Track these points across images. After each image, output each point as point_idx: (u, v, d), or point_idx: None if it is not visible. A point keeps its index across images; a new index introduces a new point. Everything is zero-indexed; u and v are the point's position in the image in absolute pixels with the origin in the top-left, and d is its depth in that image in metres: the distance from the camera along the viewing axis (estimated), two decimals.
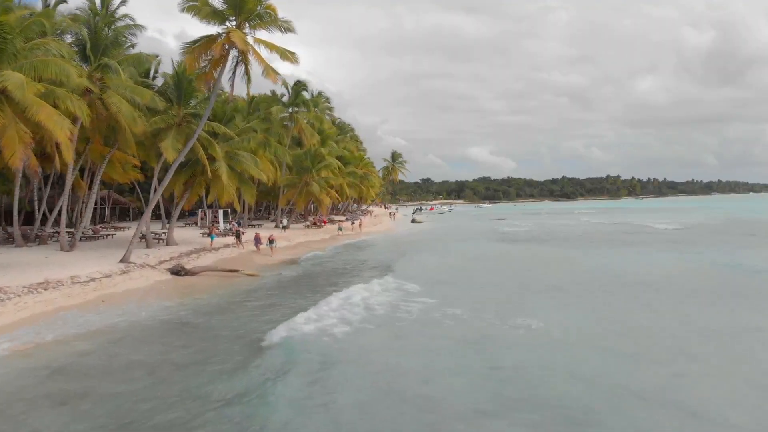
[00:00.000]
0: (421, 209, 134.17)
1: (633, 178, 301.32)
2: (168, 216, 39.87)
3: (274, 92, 51.37)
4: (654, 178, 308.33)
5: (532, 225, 67.42)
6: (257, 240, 31.05)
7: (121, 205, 50.51)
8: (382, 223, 70.93)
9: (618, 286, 21.79)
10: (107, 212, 48.68)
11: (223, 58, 22.90)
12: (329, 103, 63.36)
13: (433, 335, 14.11)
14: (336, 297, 18.82)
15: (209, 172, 28.44)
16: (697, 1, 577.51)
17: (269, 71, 22.53)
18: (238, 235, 31.31)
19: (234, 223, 40.01)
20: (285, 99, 48.93)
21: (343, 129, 74.59)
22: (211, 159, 29.60)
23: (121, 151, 30.71)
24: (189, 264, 25.39)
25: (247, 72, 23.35)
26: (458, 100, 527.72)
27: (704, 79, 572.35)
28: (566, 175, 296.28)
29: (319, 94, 61.67)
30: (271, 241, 30.79)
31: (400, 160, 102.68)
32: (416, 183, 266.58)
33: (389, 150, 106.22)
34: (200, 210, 44.76)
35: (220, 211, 42.98)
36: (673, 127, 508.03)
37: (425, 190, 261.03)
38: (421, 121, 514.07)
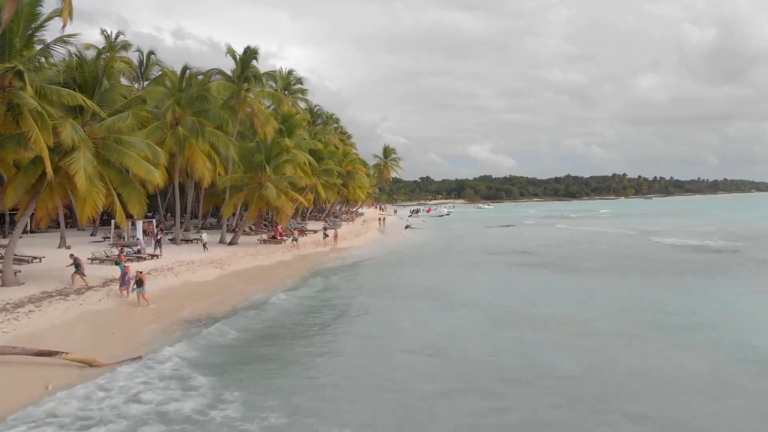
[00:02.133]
0: (418, 211, 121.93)
1: (639, 176, 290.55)
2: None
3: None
4: (660, 177, 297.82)
5: (555, 234, 55.90)
6: (124, 279, 18.79)
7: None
8: (369, 231, 58.88)
9: None
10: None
11: None
12: (302, 84, 51.52)
13: None
14: None
15: (50, 172, 17.00)
16: None
17: None
18: (77, 266, 19.50)
19: (139, 240, 27.74)
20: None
21: (323, 118, 62.64)
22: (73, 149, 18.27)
23: None
24: None
25: None
26: (457, 98, 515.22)
27: (706, 76, 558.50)
28: (567, 173, 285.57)
29: (289, 72, 50.51)
30: (138, 282, 17.96)
31: (393, 156, 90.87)
32: (415, 182, 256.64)
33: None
34: (113, 220, 32.88)
35: (139, 223, 31.15)
36: (674, 125, 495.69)
37: (424, 189, 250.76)
38: (421, 119, 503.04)
